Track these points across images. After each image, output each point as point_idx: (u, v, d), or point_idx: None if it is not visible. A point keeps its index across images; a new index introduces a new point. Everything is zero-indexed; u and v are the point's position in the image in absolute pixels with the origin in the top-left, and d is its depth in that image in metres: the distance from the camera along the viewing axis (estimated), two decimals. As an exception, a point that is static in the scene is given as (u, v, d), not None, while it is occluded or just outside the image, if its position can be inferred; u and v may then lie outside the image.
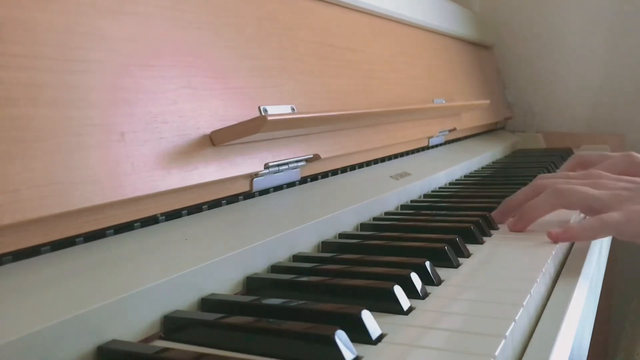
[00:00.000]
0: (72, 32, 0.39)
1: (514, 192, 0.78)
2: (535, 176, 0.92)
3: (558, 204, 0.59)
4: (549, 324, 0.40)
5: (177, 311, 0.38)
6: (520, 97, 1.62)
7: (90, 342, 0.33)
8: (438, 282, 0.45)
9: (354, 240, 0.56)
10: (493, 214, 0.65)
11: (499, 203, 0.69)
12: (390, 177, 0.79)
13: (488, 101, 1.19)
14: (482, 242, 0.57)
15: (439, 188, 0.88)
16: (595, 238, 0.56)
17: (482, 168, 1.12)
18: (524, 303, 0.39)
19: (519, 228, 0.61)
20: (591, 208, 0.57)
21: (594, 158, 0.74)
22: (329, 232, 0.58)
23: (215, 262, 0.42)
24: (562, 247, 0.55)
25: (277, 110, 0.57)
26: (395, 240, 0.56)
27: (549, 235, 0.55)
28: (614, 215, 0.53)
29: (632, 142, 1.45)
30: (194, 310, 0.40)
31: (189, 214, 0.48)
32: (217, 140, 0.48)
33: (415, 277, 0.43)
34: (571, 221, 0.64)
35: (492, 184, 0.91)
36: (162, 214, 0.45)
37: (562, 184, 0.61)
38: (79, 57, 0.39)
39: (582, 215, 0.66)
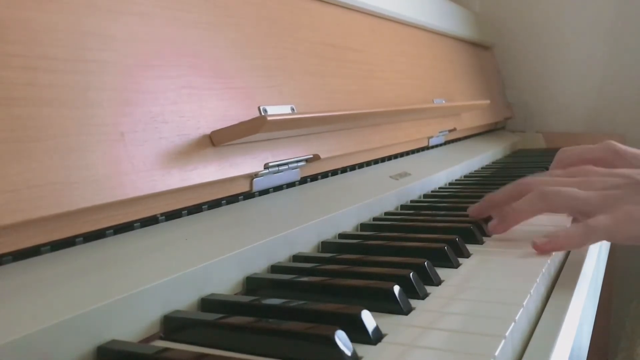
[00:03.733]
0: (72, 32, 0.39)
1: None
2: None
3: (543, 208, 0.55)
4: (549, 324, 0.40)
5: (177, 311, 0.38)
6: (520, 97, 1.62)
7: (90, 342, 0.33)
8: (438, 282, 0.45)
9: (353, 241, 0.56)
10: (471, 209, 0.62)
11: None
12: (390, 177, 0.79)
13: (488, 101, 1.19)
14: (482, 242, 0.57)
15: (439, 188, 0.88)
16: (583, 245, 0.52)
17: (482, 168, 1.12)
18: (524, 303, 0.39)
19: (500, 230, 0.58)
20: (579, 211, 0.54)
21: (583, 151, 0.72)
22: (329, 232, 0.58)
23: (215, 262, 0.42)
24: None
25: (277, 110, 0.57)
26: (395, 240, 0.56)
27: (534, 246, 0.51)
28: (601, 220, 0.49)
29: (632, 142, 1.45)
30: (194, 310, 0.40)
31: (189, 214, 0.48)
32: (217, 141, 0.48)
33: (415, 277, 0.43)
34: (568, 224, 0.61)
35: (492, 184, 0.91)
36: (162, 214, 0.45)
37: (548, 184, 0.56)
38: (79, 57, 0.39)
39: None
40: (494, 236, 0.60)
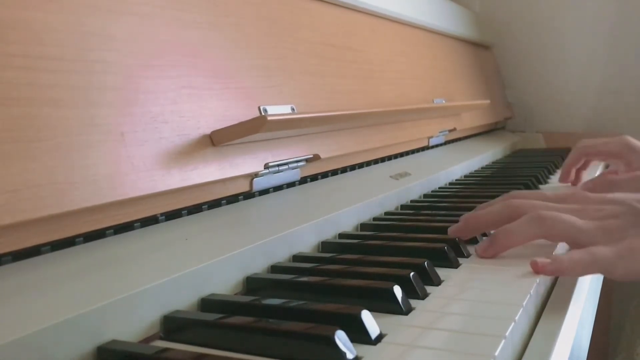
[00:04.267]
0: (72, 32, 0.39)
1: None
2: (535, 176, 0.92)
3: (539, 234, 0.51)
4: (549, 324, 0.40)
5: (177, 311, 0.38)
6: (520, 97, 1.62)
7: (90, 342, 0.33)
8: (438, 282, 0.45)
9: (354, 241, 0.56)
10: (451, 229, 0.57)
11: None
12: (390, 177, 0.79)
13: (488, 101, 1.19)
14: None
15: (439, 188, 0.88)
16: (583, 275, 0.49)
17: (482, 168, 1.12)
18: (524, 303, 0.39)
19: (489, 255, 0.52)
20: (576, 241, 0.50)
21: (598, 144, 0.72)
22: (329, 232, 0.58)
23: (215, 262, 0.43)
24: (561, 247, 0.55)
25: (277, 110, 0.57)
26: (395, 240, 0.56)
27: (533, 265, 0.47)
28: (604, 251, 0.46)
29: (632, 142, 1.45)
30: (194, 310, 0.40)
31: (189, 214, 0.48)
32: (217, 140, 0.48)
33: (415, 278, 0.43)
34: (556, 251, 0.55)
35: (492, 184, 0.91)
36: (162, 214, 0.45)
37: (543, 208, 0.52)
38: (79, 57, 0.39)
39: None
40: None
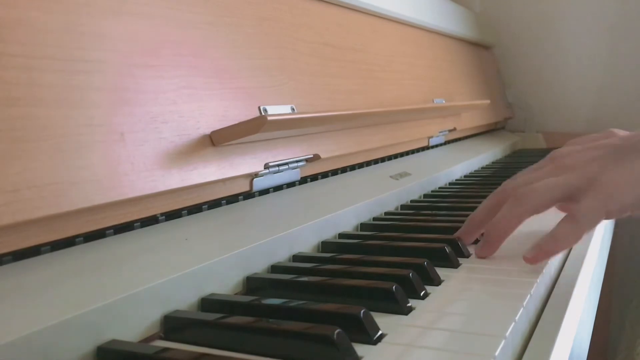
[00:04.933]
0: (72, 32, 0.39)
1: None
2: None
3: (524, 213, 0.49)
4: (549, 324, 0.40)
5: (177, 311, 0.38)
6: (520, 97, 1.62)
7: (90, 342, 0.33)
8: (438, 282, 0.45)
9: (353, 241, 0.56)
10: (458, 233, 0.56)
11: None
12: (390, 177, 0.79)
13: (488, 101, 1.19)
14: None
15: (439, 188, 0.88)
16: (580, 238, 0.46)
17: (482, 168, 1.12)
18: (524, 303, 0.39)
19: (486, 253, 0.51)
20: (562, 199, 0.48)
21: (587, 141, 0.71)
22: (329, 232, 0.58)
23: (215, 262, 0.42)
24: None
25: (277, 110, 0.57)
26: (395, 240, 0.56)
27: (525, 260, 0.46)
28: (588, 203, 0.44)
29: (632, 142, 1.45)
30: (194, 310, 0.40)
31: (189, 214, 0.48)
32: (217, 140, 0.48)
33: (415, 277, 0.43)
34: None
35: (492, 184, 0.91)
36: (162, 214, 0.45)
37: (522, 186, 0.50)
38: (79, 57, 0.39)
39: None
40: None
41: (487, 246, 0.51)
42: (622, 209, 0.45)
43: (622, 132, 0.68)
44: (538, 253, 0.46)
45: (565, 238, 0.46)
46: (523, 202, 0.49)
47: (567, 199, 0.48)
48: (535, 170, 0.54)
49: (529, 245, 0.52)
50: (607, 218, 0.45)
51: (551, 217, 0.51)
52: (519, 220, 0.50)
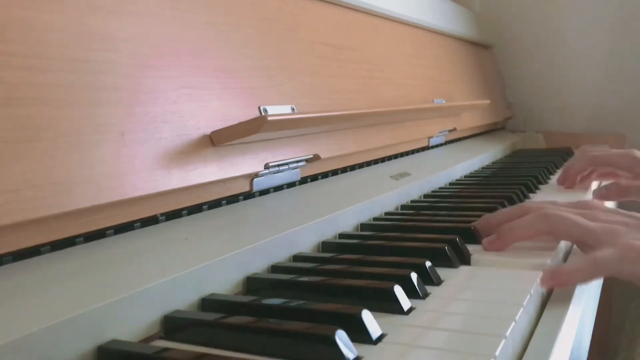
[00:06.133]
0: (72, 32, 0.39)
1: (514, 192, 0.79)
2: (535, 176, 0.92)
3: (543, 230, 0.52)
4: (549, 324, 0.40)
5: (177, 311, 0.38)
6: (520, 97, 1.62)
7: (90, 342, 0.33)
8: (438, 282, 0.45)
9: (354, 241, 0.56)
10: (473, 224, 0.59)
11: (499, 203, 0.69)
12: (390, 177, 0.79)
13: (488, 101, 1.19)
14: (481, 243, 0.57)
15: (439, 188, 0.88)
16: (589, 281, 0.48)
17: (482, 168, 1.12)
18: (524, 303, 0.39)
19: (495, 247, 0.54)
20: (581, 240, 0.51)
21: (609, 155, 0.74)
22: (329, 232, 0.58)
23: (215, 262, 0.42)
24: (562, 247, 0.55)
25: (277, 110, 0.57)
26: (395, 240, 0.56)
27: (540, 280, 0.46)
28: (609, 254, 0.46)
29: (633, 142, 1.45)
30: (194, 310, 0.40)
31: (189, 214, 0.48)
32: (217, 141, 0.48)
33: (415, 277, 0.43)
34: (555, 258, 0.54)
35: (492, 184, 0.91)
36: (162, 214, 0.45)
37: (552, 209, 0.54)
38: (79, 57, 0.39)
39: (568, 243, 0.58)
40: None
41: (498, 243, 0.54)
42: (631, 274, 0.46)
43: None
44: (552, 277, 0.46)
45: (580, 274, 0.46)
46: (548, 221, 0.52)
47: (585, 245, 0.51)
48: (565, 205, 0.57)
49: (531, 247, 0.53)
50: (613, 276, 0.47)
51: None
52: (536, 234, 0.53)
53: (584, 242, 0.50)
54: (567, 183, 0.87)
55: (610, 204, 0.81)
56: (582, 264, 0.47)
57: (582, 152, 0.82)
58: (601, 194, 0.76)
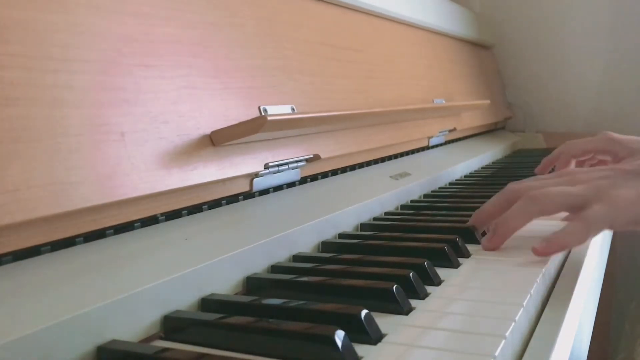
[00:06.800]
0: (72, 32, 0.39)
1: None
2: (535, 176, 0.92)
3: (535, 212, 0.53)
4: (549, 324, 0.40)
5: (177, 311, 0.38)
6: (520, 97, 1.62)
7: (90, 342, 0.33)
8: (438, 282, 0.45)
9: (354, 241, 0.56)
10: (467, 224, 0.59)
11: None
12: (390, 177, 0.79)
13: (488, 101, 1.19)
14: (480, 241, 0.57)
15: (439, 188, 0.88)
16: (586, 240, 0.49)
17: (482, 168, 1.12)
18: (524, 303, 0.39)
19: (494, 245, 0.54)
20: (572, 206, 0.52)
21: (582, 143, 0.75)
22: (329, 233, 0.58)
23: (215, 262, 0.42)
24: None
25: (277, 110, 0.57)
26: (395, 240, 0.56)
27: (534, 251, 0.49)
28: (598, 209, 0.48)
29: (632, 142, 1.45)
30: (194, 310, 0.40)
31: (189, 214, 0.48)
32: (217, 141, 0.48)
33: (415, 278, 0.43)
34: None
35: (492, 184, 0.91)
36: (162, 214, 0.45)
37: (536, 188, 0.54)
38: (79, 57, 0.39)
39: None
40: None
41: (495, 239, 0.54)
42: (626, 222, 0.48)
43: (617, 136, 0.71)
44: (547, 245, 0.49)
45: (574, 235, 0.49)
46: (536, 202, 0.52)
47: (576, 209, 0.51)
48: (546, 179, 0.57)
49: (527, 246, 0.52)
50: (610, 229, 0.49)
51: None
52: (529, 219, 0.53)
53: (575, 207, 0.51)
54: (540, 171, 0.88)
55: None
56: (573, 225, 0.49)
57: (562, 145, 0.83)
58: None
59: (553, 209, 0.53)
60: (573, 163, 0.84)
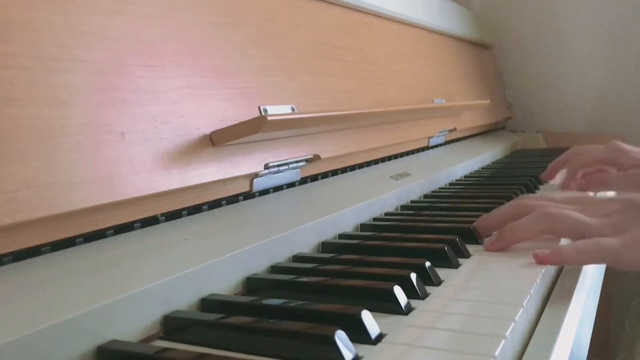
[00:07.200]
0: (72, 32, 0.39)
1: (514, 192, 0.79)
2: (535, 176, 0.92)
3: (546, 229, 0.53)
4: (549, 324, 0.40)
5: (177, 311, 0.38)
6: (520, 97, 1.62)
7: (90, 342, 0.33)
8: (438, 282, 0.45)
9: (354, 241, 0.56)
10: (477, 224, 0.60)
11: (499, 203, 0.69)
12: (390, 177, 0.79)
13: (488, 101, 1.19)
14: (482, 243, 0.57)
15: (439, 188, 0.88)
16: (587, 263, 0.50)
17: (482, 168, 1.12)
18: (524, 303, 0.39)
19: (497, 248, 0.54)
20: (583, 236, 0.52)
21: (592, 152, 0.76)
22: (329, 233, 0.58)
23: (215, 262, 0.43)
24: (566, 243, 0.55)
25: (277, 110, 0.57)
26: (395, 240, 0.56)
27: (535, 256, 0.49)
28: (611, 241, 0.48)
29: (633, 142, 1.44)
30: (194, 310, 0.40)
31: (189, 214, 0.48)
32: (217, 140, 0.48)
33: (415, 278, 0.43)
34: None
35: (492, 184, 0.91)
36: (162, 214, 0.45)
37: (552, 207, 0.55)
38: (79, 57, 0.39)
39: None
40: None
41: (499, 243, 0.54)
42: (633, 262, 0.48)
43: (624, 146, 0.72)
44: (548, 256, 0.48)
45: (582, 255, 0.48)
46: (551, 220, 0.53)
47: (583, 238, 0.51)
48: (561, 201, 0.58)
49: (527, 247, 0.53)
50: (613, 265, 0.49)
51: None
52: (538, 234, 0.54)
53: (585, 238, 0.51)
54: (547, 176, 0.89)
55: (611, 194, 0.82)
56: (584, 244, 0.48)
57: (569, 151, 0.84)
58: (581, 185, 0.78)
59: (565, 232, 0.54)
60: (580, 173, 0.84)
